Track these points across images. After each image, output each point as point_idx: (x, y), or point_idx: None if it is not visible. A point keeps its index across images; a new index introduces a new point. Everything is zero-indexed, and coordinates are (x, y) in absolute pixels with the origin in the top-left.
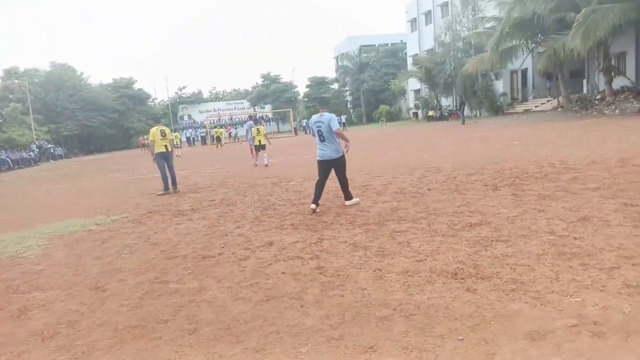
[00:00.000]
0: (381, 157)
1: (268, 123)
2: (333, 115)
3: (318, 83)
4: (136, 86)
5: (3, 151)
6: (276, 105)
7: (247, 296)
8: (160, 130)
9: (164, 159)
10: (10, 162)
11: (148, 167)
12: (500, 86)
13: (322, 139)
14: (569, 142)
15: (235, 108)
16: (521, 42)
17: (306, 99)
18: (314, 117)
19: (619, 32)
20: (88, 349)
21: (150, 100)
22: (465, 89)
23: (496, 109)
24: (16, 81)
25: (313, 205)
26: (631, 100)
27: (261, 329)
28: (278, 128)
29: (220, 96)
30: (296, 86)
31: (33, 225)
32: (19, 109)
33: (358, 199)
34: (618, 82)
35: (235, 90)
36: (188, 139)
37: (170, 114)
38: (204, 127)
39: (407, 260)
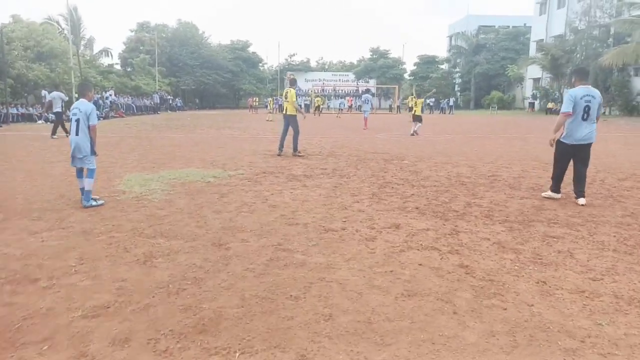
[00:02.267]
0: (503, 146)
1: (372, 97)
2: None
3: (427, 62)
4: (251, 49)
5: (130, 97)
6: (382, 80)
7: (384, 285)
8: (285, 93)
9: (285, 121)
10: (135, 108)
11: (258, 127)
12: (639, 84)
13: (586, 117)
14: None
15: (340, 80)
16: None
17: (412, 77)
18: (580, 90)
19: None
20: (216, 316)
21: (261, 64)
22: (596, 83)
23: (631, 109)
24: (146, 35)
25: (557, 195)
26: None
27: (410, 333)
28: (380, 104)
29: (327, 67)
30: (404, 63)
31: (156, 170)
32: (147, 60)
33: (584, 200)
34: None
35: (341, 62)
36: (280, 105)
37: (278, 80)
38: (309, 95)
39: (578, 277)
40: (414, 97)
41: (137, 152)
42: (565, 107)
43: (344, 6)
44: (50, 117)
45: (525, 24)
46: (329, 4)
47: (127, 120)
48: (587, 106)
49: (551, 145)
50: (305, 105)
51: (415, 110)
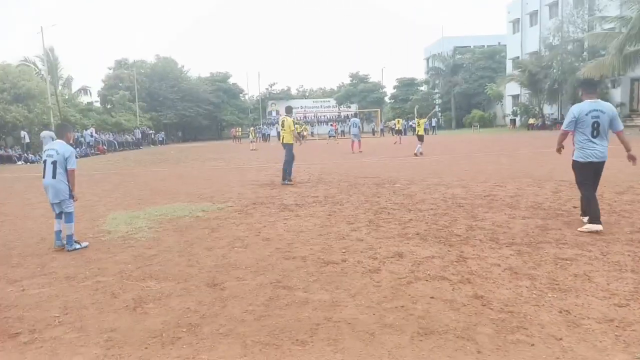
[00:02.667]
0: (492, 164)
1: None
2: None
3: (406, 84)
4: (231, 80)
5: (111, 134)
6: (363, 105)
7: (397, 324)
8: (281, 121)
9: (284, 148)
10: (117, 144)
11: (243, 157)
12: (617, 95)
13: (595, 134)
14: None
15: (321, 106)
16: None
17: (392, 100)
18: (585, 105)
19: None
20: None
21: (242, 94)
22: (575, 96)
23: None
24: (125, 71)
25: (598, 227)
26: None
27: None
28: (362, 128)
29: (307, 94)
30: (384, 87)
31: (141, 206)
32: (126, 96)
33: (600, 226)
34: None
35: (321, 89)
36: (279, 133)
37: (260, 109)
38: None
39: (602, 303)
40: (417, 118)
41: (120, 189)
42: (565, 124)
43: (321, 34)
44: (30, 158)
45: (499, 43)
46: (306, 32)
47: (109, 156)
48: (596, 122)
49: (558, 152)
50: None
51: (418, 131)
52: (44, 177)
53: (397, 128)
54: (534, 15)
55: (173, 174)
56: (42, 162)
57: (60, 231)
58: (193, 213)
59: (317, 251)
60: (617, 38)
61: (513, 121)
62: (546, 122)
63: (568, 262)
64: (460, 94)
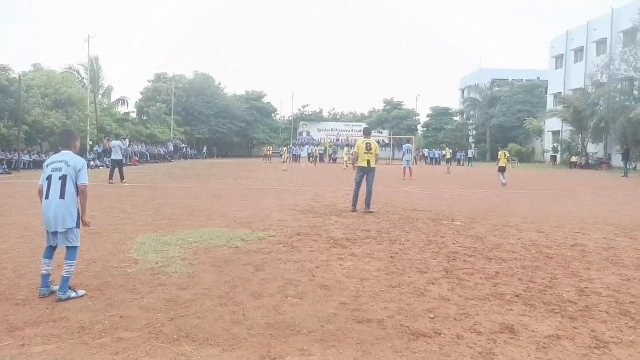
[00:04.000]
0: (554, 204)
1: (384, 149)
2: None
3: (440, 114)
4: (265, 100)
5: (145, 145)
6: (395, 131)
7: None
8: (367, 144)
9: (364, 174)
10: (149, 156)
11: (276, 177)
12: None
13: None
14: None
15: (352, 130)
16: None
17: (425, 129)
18: None
19: None
20: None
21: (275, 114)
22: (625, 137)
23: None
24: (164, 85)
25: None
26: None
27: None
28: (393, 155)
29: (338, 117)
30: (418, 114)
31: (173, 228)
32: (163, 109)
33: None
34: None
35: (352, 113)
36: (309, 155)
37: (291, 129)
38: (323, 145)
39: None
40: (504, 151)
41: (151, 206)
42: None
43: (357, 57)
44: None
45: (538, 78)
46: (342, 55)
47: (140, 168)
48: None
49: None
50: (320, 155)
51: (500, 162)
52: (47, 197)
53: (447, 157)
54: (579, 51)
55: (206, 192)
56: (44, 179)
57: (50, 274)
58: (232, 242)
59: (396, 312)
60: None
61: (554, 158)
62: (590, 161)
63: None
64: (497, 126)
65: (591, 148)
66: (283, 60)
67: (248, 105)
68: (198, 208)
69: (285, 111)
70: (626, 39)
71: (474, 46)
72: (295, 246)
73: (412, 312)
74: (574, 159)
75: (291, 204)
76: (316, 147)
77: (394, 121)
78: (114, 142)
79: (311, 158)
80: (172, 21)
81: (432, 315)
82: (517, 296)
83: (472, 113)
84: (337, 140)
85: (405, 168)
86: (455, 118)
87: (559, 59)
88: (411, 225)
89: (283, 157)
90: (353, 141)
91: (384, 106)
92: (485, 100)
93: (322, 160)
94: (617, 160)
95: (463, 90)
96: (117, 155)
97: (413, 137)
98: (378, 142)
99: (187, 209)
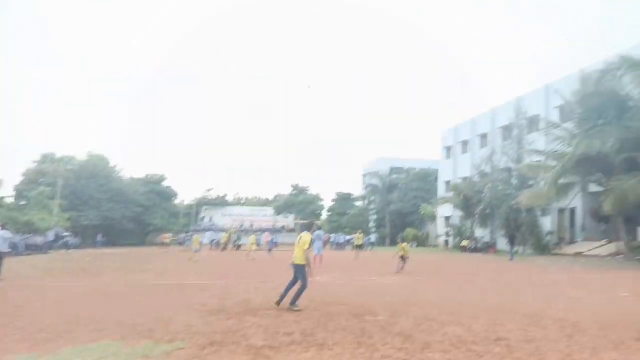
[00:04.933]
0: (461, 292)
1: (290, 233)
2: None
3: (343, 199)
4: (165, 183)
5: (18, 235)
6: (301, 215)
7: None
8: (299, 237)
9: (293, 268)
10: (23, 247)
11: (178, 269)
12: (547, 223)
13: None
14: None
15: (257, 215)
16: (579, 179)
17: (330, 213)
18: None
19: None
20: None
21: (175, 198)
22: (508, 223)
23: (542, 248)
24: (50, 166)
25: None
26: None
27: None
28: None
29: (243, 201)
30: (322, 199)
31: (54, 344)
32: (46, 192)
33: None
34: None
35: (256, 197)
36: (212, 241)
37: (193, 214)
38: (225, 231)
39: None
40: (403, 244)
41: (24, 313)
42: None
43: (264, 142)
44: None
45: (430, 167)
46: (248, 138)
47: (12, 261)
48: None
49: None
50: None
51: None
52: None
53: (356, 243)
54: (465, 143)
55: (94, 290)
56: None
57: None
58: None
59: None
60: (552, 170)
61: (446, 242)
62: (478, 245)
63: None
64: (396, 212)
65: (479, 232)
66: (186, 144)
67: (147, 188)
68: (85, 313)
69: (187, 195)
70: (504, 134)
71: (375, 134)
72: None
73: None
74: (464, 242)
75: (198, 302)
76: (225, 233)
77: (299, 205)
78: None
79: (211, 246)
80: (65, 96)
81: None
82: None
83: (372, 198)
84: (242, 225)
85: (315, 255)
86: (357, 203)
87: (449, 150)
88: (334, 324)
89: (194, 245)
90: (258, 226)
91: (291, 190)
92: (385, 186)
93: (224, 247)
94: (501, 243)
95: (364, 176)
96: (3, 248)
97: (319, 221)
98: (283, 226)
99: (70, 315)
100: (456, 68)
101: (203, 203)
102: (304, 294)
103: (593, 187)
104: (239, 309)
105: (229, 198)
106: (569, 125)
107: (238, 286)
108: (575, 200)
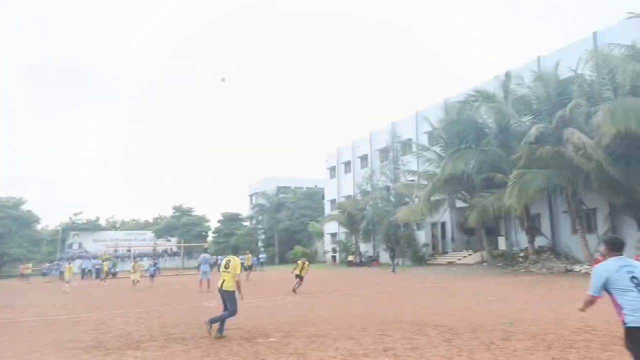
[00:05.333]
0: (351, 306)
1: (172, 258)
2: None
3: (231, 219)
4: (25, 207)
5: None
6: (186, 238)
7: None
8: (226, 261)
9: (220, 294)
10: None
11: (42, 302)
12: (422, 236)
13: None
14: (548, 301)
15: (135, 239)
16: (447, 196)
17: (216, 234)
18: (617, 261)
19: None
20: None
21: (37, 223)
22: (389, 237)
23: (419, 259)
24: None
25: None
26: (554, 259)
27: None
28: (183, 264)
29: (118, 225)
30: (209, 220)
31: None
32: None
33: None
34: (537, 241)
35: (135, 220)
36: (83, 270)
37: (58, 241)
38: (97, 257)
39: None
40: (303, 260)
41: None
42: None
43: (143, 163)
44: None
45: (316, 186)
46: (126, 157)
47: None
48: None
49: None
50: (96, 269)
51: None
52: None
53: (246, 264)
54: (348, 164)
55: None
56: None
57: None
58: None
59: None
60: (424, 189)
61: (334, 257)
62: (362, 260)
63: None
64: (284, 230)
65: (363, 247)
66: (54, 161)
67: (1, 214)
68: None
69: (52, 220)
70: (382, 156)
71: (260, 155)
72: None
73: None
74: (350, 257)
75: (70, 338)
76: (106, 262)
77: (184, 228)
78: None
79: (84, 275)
80: None
81: None
82: None
83: (260, 218)
84: (116, 251)
85: (201, 280)
86: (245, 223)
87: (333, 170)
88: (226, 350)
89: (66, 275)
90: (136, 252)
91: (173, 212)
92: (272, 205)
93: (97, 276)
94: (383, 257)
95: (252, 196)
96: None
97: (205, 244)
98: (165, 250)
99: None
100: (335, 91)
101: (71, 228)
102: (227, 320)
103: (460, 203)
104: (118, 343)
105: (102, 222)
106: (437, 148)
107: (116, 318)
108: (445, 215)
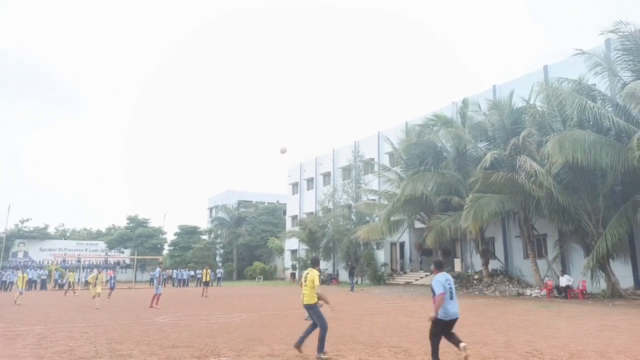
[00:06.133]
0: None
1: (124, 270)
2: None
3: (188, 232)
4: None
5: None
6: (140, 251)
7: None
8: (305, 274)
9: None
10: None
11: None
12: (381, 256)
13: (451, 296)
14: (508, 325)
15: (87, 249)
16: (407, 217)
17: (172, 247)
18: (443, 276)
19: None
20: None
21: None
22: (349, 255)
23: (378, 278)
24: None
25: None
26: (507, 283)
27: None
28: (135, 277)
29: (68, 234)
30: (165, 232)
31: None
32: None
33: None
34: (491, 264)
35: (86, 229)
36: (29, 280)
37: (1, 249)
38: (45, 267)
39: None
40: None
41: None
42: (437, 289)
43: (98, 170)
44: None
45: (278, 201)
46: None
47: None
48: (451, 287)
49: (430, 320)
50: (42, 280)
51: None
52: None
53: (204, 279)
54: (310, 181)
55: None
56: None
57: None
58: None
59: None
60: (385, 208)
61: (293, 275)
62: (322, 277)
63: None
64: (244, 245)
65: (323, 265)
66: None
67: None
68: None
69: None
70: (344, 174)
71: (220, 168)
72: None
73: None
74: None
75: (7, 354)
76: (71, 272)
77: (138, 239)
78: None
79: (29, 286)
80: None
81: None
82: None
83: (219, 232)
84: (64, 261)
85: (154, 295)
86: (204, 237)
87: (295, 186)
88: None
89: (19, 284)
90: (87, 262)
91: (127, 223)
92: (232, 219)
93: (43, 287)
94: (343, 275)
95: (211, 210)
96: None
97: (161, 257)
98: (117, 262)
99: None
100: (300, 107)
101: (16, 236)
102: (326, 336)
103: (418, 224)
104: (60, 359)
105: (51, 230)
106: (397, 169)
107: (59, 333)
108: (404, 236)
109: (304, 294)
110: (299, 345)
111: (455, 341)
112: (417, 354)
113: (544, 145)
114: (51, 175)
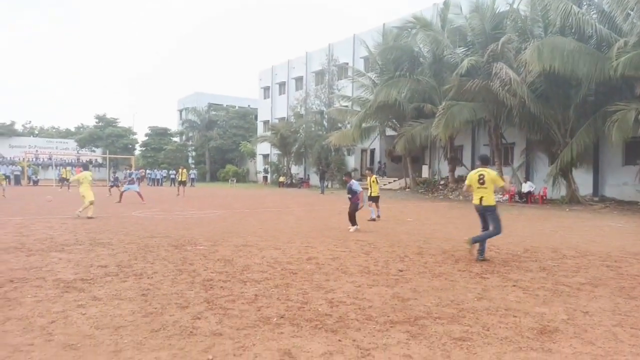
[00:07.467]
0: (279, 220)
1: (98, 169)
2: None
3: (159, 134)
4: None
5: None
6: (111, 150)
7: None
8: (479, 175)
9: (480, 214)
10: None
11: None
12: (352, 161)
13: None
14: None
15: (57, 147)
16: (378, 124)
17: (144, 148)
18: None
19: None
20: None
21: None
22: (320, 161)
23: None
24: None
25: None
26: None
27: None
28: (109, 176)
29: (36, 132)
30: (135, 133)
31: None
32: None
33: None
34: (457, 171)
35: (54, 127)
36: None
37: None
38: (16, 164)
39: None
40: (370, 172)
41: None
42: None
43: (63, 65)
44: None
45: (249, 105)
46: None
47: None
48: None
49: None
50: (16, 176)
51: (371, 191)
52: None
53: (180, 179)
54: (282, 85)
55: None
56: None
57: None
58: None
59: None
60: (357, 115)
61: (265, 178)
62: (293, 181)
63: (462, 341)
64: (215, 148)
65: (294, 169)
66: None
67: None
68: None
69: None
70: (317, 79)
71: (190, 68)
72: (11, 297)
73: (187, 357)
74: (281, 178)
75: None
76: (65, 169)
77: (108, 139)
78: None
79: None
80: None
81: (210, 356)
82: (282, 317)
83: (191, 135)
84: (36, 158)
85: (124, 192)
86: (175, 139)
87: (267, 90)
88: (154, 255)
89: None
90: (59, 160)
91: (96, 122)
92: (203, 123)
93: (18, 182)
94: (314, 179)
95: (181, 112)
96: None
97: (133, 157)
98: (90, 160)
99: None
100: (273, 7)
101: None
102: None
103: (390, 131)
104: (42, 245)
105: (18, 127)
106: (372, 75)
107: (38, 223)
108: (375, 142)
109: (481, 196)
110: (470, 244)
111: None
112: (381, 247)
113: (522, 52)
114: (16, 70)
